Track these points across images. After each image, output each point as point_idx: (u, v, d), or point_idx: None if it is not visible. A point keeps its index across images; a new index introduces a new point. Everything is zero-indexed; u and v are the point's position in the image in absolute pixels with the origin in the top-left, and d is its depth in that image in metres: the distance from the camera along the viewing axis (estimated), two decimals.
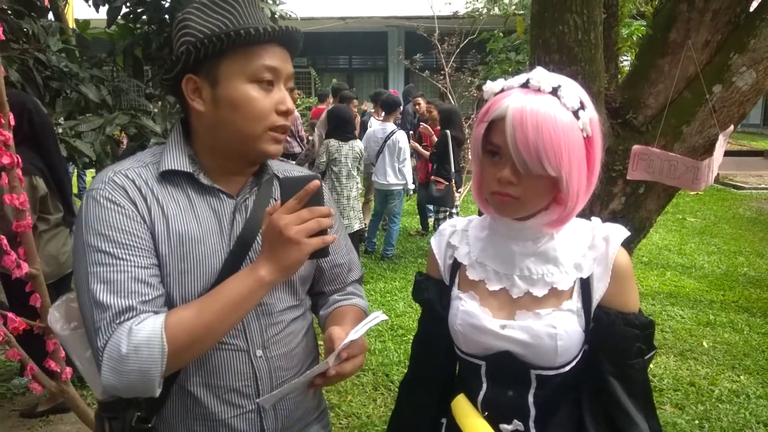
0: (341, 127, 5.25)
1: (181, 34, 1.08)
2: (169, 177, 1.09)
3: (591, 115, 1.01)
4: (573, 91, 1.00)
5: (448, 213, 5.87)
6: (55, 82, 3.58)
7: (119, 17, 4.00)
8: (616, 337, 1.05)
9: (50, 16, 4.31)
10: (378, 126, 6.27)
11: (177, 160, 1.10)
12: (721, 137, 1.78)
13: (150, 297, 1.01)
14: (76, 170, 7.15)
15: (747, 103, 1.79)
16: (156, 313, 1.00)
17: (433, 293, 1.21)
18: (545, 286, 1.07)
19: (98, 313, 0.97)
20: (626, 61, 2.53)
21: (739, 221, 7.71)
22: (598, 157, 1.04)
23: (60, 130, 3.27)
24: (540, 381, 1.08)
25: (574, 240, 1.10)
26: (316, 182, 1.00)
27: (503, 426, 1.10)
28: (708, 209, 8.41)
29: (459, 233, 1.21)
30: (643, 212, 1.95)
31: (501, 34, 7.34)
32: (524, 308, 1.08)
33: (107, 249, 1.00)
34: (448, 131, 5.83)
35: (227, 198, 1.13)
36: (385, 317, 1.02)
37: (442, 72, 8.54)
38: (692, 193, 8.53)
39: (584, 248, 1.09)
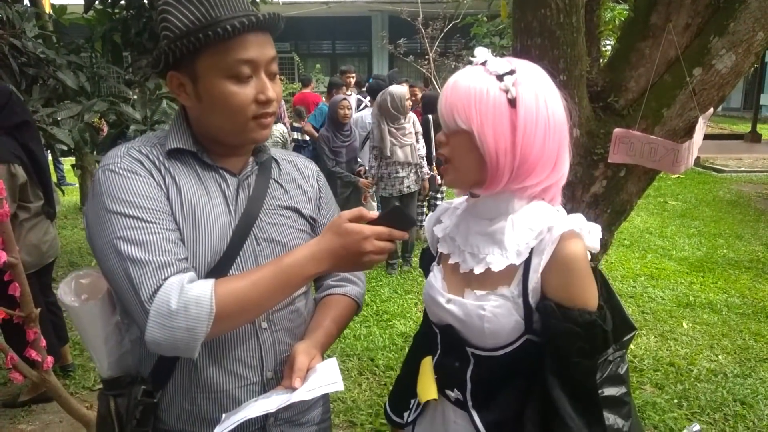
0: None
1: (161, 27, 1.09)
2: (176, 155, 1.14)
3: (521, 79, 1.03)
4: (508, 61, 1.06)
5: (431, 198, 5.85)
6: (32, 69, 3.52)
7: (97, 2, 3.94)
8: (552, 330, 1.02)
9: (25, 1, 4.22)
10: (366, 111, 6.22)
11: (181, 139, 1.14)
12: (701, 120, 1.80)
13: (182, 256, 1.04)
14: (51, 159, 6.99)
15: (726, 86, 1.80)
16: (186, 271, 1.02)
17: (425, 263, 1.32)
18: (484, 266, 1.09)
19: (137, 269, 0.98)
20: (608, 45, 2.54)
21: (719, 204, 7.83)
22: (529, 123, 1.02)
23: (37, 118, 3.22)
24: (476, 359, 1.12)
25: (528, 227, 1.08)
26: (408, 232, 1.11)
27: (448, 392, 1.18)
28: (689, 192, 8.52)
29: (450, 210, 1.26)
30: (624, 195, 1.97)
31: (485, 19, 7.33)
32: (469, 287, 1.12)
33: (135, 214, 1.02)
34: (430, 116, 5.82)
35: (230, 176, 1.18)
36: (341, 388, 1.02)
37: (427, 57, 8.53)
38: (673, 176, 8.63)
39: (532, 237, 1.07)
